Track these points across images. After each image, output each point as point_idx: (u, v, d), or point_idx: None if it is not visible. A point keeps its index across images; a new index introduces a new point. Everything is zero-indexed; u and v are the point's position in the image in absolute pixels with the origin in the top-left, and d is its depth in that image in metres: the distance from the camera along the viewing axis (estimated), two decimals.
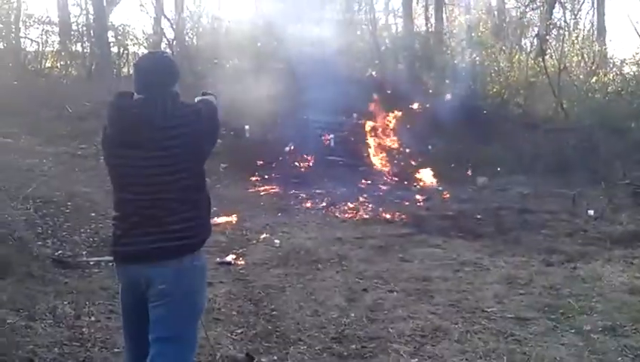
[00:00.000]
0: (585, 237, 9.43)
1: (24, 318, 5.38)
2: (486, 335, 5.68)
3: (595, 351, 5.34)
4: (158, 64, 3.59)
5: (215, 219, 9.44)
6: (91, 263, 7.41)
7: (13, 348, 4.75)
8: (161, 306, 3.48)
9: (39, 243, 7.65)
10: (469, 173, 14.45)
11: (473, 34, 20.75)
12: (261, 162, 14.13)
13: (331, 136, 14.74)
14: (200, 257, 3.61)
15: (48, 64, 22.28)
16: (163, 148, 3.40)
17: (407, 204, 11.98)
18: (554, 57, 18.07)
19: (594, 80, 17.70)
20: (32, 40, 22.37)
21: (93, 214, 9.20)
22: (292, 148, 14.54)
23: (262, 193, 12.62)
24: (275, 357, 5.27)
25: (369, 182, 13.72)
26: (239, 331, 5.78)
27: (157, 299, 3.48)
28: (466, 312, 6.30)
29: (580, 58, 19.17)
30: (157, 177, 3.43)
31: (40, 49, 22.18)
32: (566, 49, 19.01)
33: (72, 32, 22.92)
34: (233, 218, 10.19)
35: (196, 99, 3.79)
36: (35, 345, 5.03)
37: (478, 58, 18.49)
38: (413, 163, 14.79)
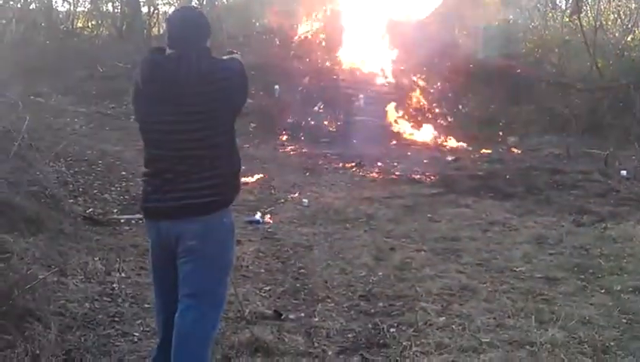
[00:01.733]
0: (617, 197, 9.32)
1: (56, 274, 5.46)
2: (514, 295, 5.65)
3: (625, 311, 5.30)
4: (190, 19, 3.57)
5: (244, 178, 9.46)
6: (122, 221, 7.49)
7: (46, 303, 4.82)
8: (190, 262, 3.51)
9: (71, 200, 7.75)
10: (501, 133, 14.29)
11: None
12: (290, 122, 14.09)
13: (361, 95, 14.61)
14: (229, 214, 3.62)
15: (80, 24, 22.34)
16: (196, 103, 3.40)
17: (436, 163, 11.90)
18: (589, 15, 17.67)
19: (630, 38, 17.30)
20: (63, 0, 22.43)
21: (123, 173, 9.31)
22: (321, 107, 14.45)
23: (291, 153, 12.62)
24: (303, 314, 5.30)
25: (398, 141, 13.62)
26: (267, 288, 5.83)
27: (186, 255, 3.51)
28: (495, 272, 6.29)
29: (616, 16, 18.71)
30: (189, 133, 3.43)
31: (71, 9, 22.25)
32: (602, 6, 18.56)
33: None
34: (262, 177, 10.21)
35: (224, 58, 3.77)
36: (66, 300, 5.11)
37: (512, 16, 18.15)
38: (443, 123, 14.65)
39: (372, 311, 5.39)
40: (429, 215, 8.46)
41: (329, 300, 5.62)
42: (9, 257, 5.31)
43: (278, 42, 16.52)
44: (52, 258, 5.84)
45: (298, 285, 5.96)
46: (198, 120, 3.42)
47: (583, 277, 6.14)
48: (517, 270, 6.33)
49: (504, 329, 4.92)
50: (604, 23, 17.18)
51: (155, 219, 3.59)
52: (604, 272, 6.25)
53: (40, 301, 4.75)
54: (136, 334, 4.75)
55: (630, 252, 6.83)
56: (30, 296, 4.68)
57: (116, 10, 22.68)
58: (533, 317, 5.08)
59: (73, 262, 5.85)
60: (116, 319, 4.97)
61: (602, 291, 5.79)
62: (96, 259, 6.05)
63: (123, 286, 5.57)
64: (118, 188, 8.73)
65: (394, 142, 13.56)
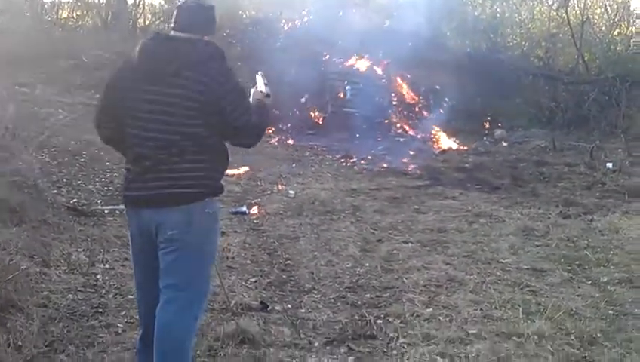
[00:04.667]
0: (603, 189, 9.36)
1: (39, 265, 5.40)
2: (501, 286, 5.65)
3: (612, 302, 5.31)
4: (202, 9, 3.56)
5: (230, 169, 9.39)
6: (106, 211, 7.42)
7: (28, 293, 4.77)
8: (171, 252, 3.46)
9: (54, 191, 7.67)
10: (487, 125, 14.31)
11: None
12: (277, 113, 14.01)
13: (348, 87, 14.56)
14: (212, 205, 3.56)
15: (64, 14, 22.13)
16: (186, 87, 3.35)
17: (423, 156, 11.90)
18: (576, 9, 17.70)
19: (616, 32, 17.37)
20: None
21: (107, 163, 9.21)
22: (307, 99, 14.38)
23: (277, 144, 12.56)
24: (289, 306, 5.27)
25: (385, 134, 13.59)
26: (253, 279, 5.78)
27: (167, 246, 3.45)
28: (481, 263, 6.28)
29: (602, 10, 18.78)
30: (174, 116, 3.37)
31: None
32: (589, 0, 18.61)
33: None
34: (248, 168, 10.14)
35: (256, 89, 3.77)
36: (49, 291, 5.06)
37: (499, 9, 18.15)
38: (430, 115, 14.63)
39: (359, 302, 5.36)
40: (415, 207, 8.45)
41: (315, 291, 5.59)
42: None
43: (264, 35, 16.41)
44: (35, 249, 5.76)
45: (284, 276, 5.92)
46: (185, 107, 3.36)
47: (569, 268, 6.15)
48: (503, 261, 6.33)
49: (491, 321, 4.91)
50: (590, 16, 17.23)
51: (136, 207, 3.55)
52: (591, 264, 6.26)
53: (22, 292, 4.70)
54: (120, 325, 4.70)
55: (616, 244, 6.85)
56: (12, 286, 4.63)
57: (101, 1, 22.47)
58: (520, 308, 5.07)
59: (56, 252, 5.80)
60: (100, 310, 4.92)
61: (589, 283, 5.80)
62: (79, 249, 6.00)
63: (107, 278, 5.52)
64: (102, 179, 8.65)
65: (380, 133, 13.51)
